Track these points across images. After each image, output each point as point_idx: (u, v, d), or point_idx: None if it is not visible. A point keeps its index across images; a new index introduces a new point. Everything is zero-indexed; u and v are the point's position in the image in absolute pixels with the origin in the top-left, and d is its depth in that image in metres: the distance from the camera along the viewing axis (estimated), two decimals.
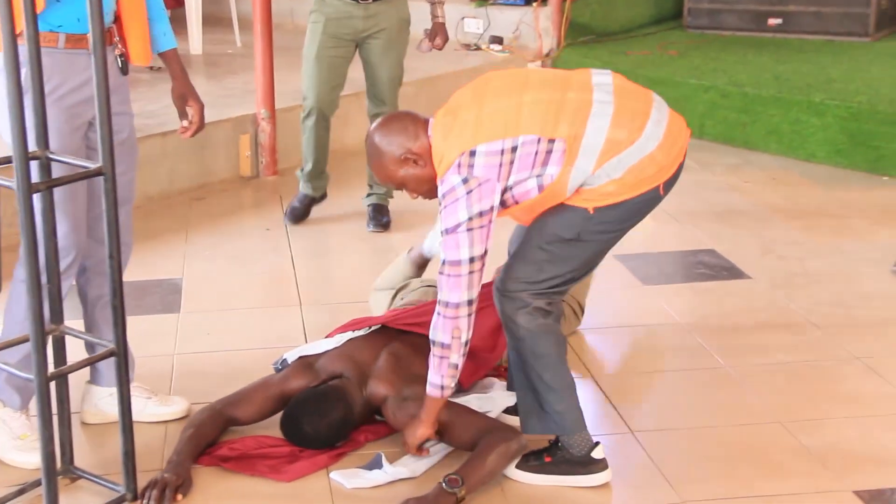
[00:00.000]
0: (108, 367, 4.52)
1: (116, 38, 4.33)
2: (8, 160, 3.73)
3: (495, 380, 4.83)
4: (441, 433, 4.29)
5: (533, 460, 4.29)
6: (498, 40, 10.46)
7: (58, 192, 4.07)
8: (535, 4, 10.79)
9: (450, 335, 4.00)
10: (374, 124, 4.20)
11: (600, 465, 4.26)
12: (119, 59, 4.35)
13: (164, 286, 5.93)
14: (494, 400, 4.63)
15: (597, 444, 4.27)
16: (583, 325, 5.54)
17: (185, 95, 4.74)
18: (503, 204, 4.02)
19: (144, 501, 4.12)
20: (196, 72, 10.01)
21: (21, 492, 4.16)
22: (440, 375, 4.07)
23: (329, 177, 7.41)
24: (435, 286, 4.70)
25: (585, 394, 4.94)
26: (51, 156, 3.95)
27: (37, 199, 3.77)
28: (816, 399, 5.01)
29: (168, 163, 7.58)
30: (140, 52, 4.43)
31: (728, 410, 4.92)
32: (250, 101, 8.11)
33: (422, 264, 5.59)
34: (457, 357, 4.05)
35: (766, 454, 4.55)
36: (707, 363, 5.35)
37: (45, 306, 3.88)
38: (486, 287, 4.49)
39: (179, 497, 4.11)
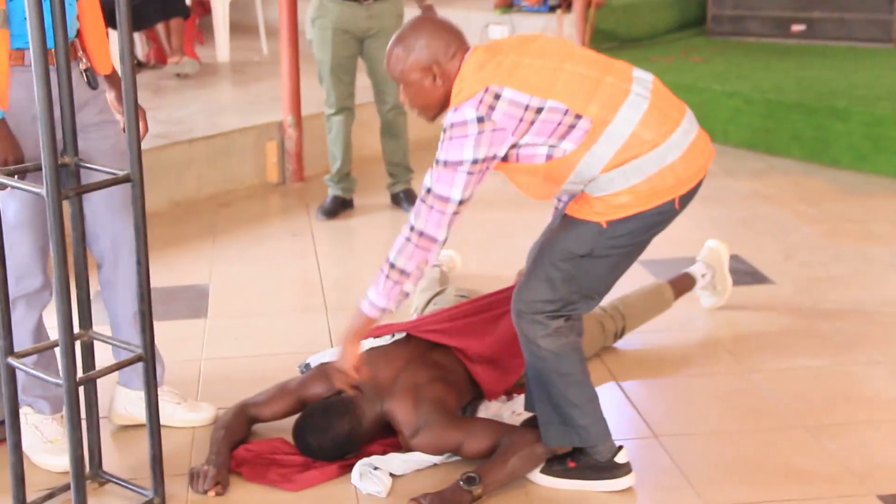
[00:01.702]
0: (137, 370, 4.50)
1: (80, 52, 4.30)
2: (38, 167, 3.76)
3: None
4: (460, 446, 4.28)
5: (557, 465, 4.28)
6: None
7: (24, 211, 4.13)
8: (559, 11, 10.80)
9: (416, 265, 3.94)
10: (427, 20, 4.10)
11: (624, 469, 4.26)
12: (86, 74, 4.30)
13: (191, 291, 5.95)
14: (516, 408, 4.63)
15: (620, 448, 4.27)
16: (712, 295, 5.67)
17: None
18: (505, 157, 3.94)
19: (193, 488, 4.21)
20: (222, 79, 10.05)
21: (50, 495, 4.17)
22: (387, 298, 3.99)
23: (356, 181, 7.47)
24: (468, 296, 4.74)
25: (610, 398, 4.95)
26: (80, 163, 3.96)
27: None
28: (840, 403, 5.00)
29: (195, 169, 7.60)
30: (103, 63, 4.38)
31: (752, 415, 4.92)
32: (276, 108, 8.13)
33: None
34: (411, 286, 4.01)
35: (789, 459, 4.54)
36: (731, 368, 5.36)
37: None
38: (508, 291, 4.50)
39: (219, 490, 4.17)
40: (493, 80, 3.82)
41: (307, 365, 4.81)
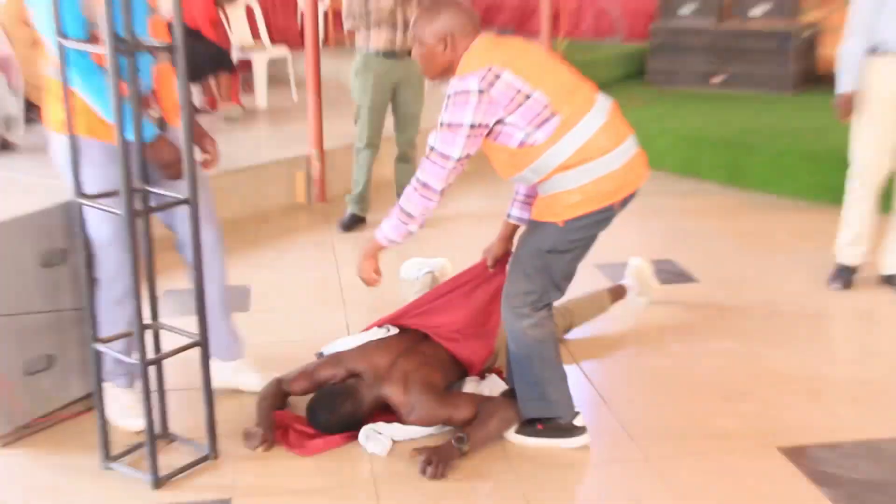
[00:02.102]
0: (225, 346, 4.69)
1: (154, 105, 4.30)
2: (116, 193, 3.82)
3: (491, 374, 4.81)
4: (449, 417, 4.33)
5: (528, 427, 4.35)
6: None
7: (113, 232, 4.15)
8: None
9: (420, 211, 4.07)
10: (455, 3, 4.09)
11: (581, 430, 4.34)
12: (158, 122, 4.26)
13: (237, 290, 5.87)
14: (491, 384, 4.66)
15: (578, 413, 4.34)
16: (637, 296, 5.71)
17: (202, 136, 4.63)
18: (489, 132, 3.98)
19: (247, 445, 4.28)
20: (261, 121, 10.05)
21: (129, 451, 4.23)
22: (397, 234, 4.17)
23: (370, 201, 7.53)
24: None
25: (571, 374, 4.95)
26: (148, 188, 4.02)
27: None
28: (750, 377, 5.04)
29: (239, 192, 7.58)
30: (173, 114, 4.37)
31: (680, 386, 4.96)
32: (304, 144, 8.11)
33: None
34: (415, 227, 4.14)
35: (710, 421, 4.60)
36: (665, 350, 5.40)
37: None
38: (476, 268, 4.66)
39: (266, 447, 4.24)
40: (496, 62, 3.92)
41: (321, 354, 4.80)
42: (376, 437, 4.28)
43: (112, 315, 4.31)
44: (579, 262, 4.25)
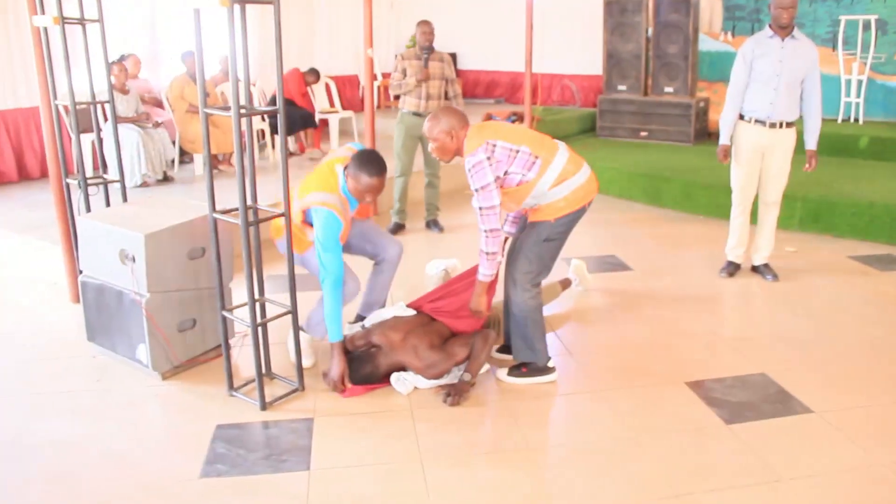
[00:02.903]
0: (311, 324, 4.59)
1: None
2: (235, 209, 3.85)
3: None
4: (453, 363, 4.26)
5: (516, 371, 4.37)
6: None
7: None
8: (517, 122, 10.81)
9: (499, 247, 4.11)
10: (450, 109, 4.16)
11: (552, 370, 4.36)
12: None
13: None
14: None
15: (550, 358, 4.37)
16: (577, 286, 5.57)
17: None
18: (500, 184, 4.05)
19: (326, 384, 4.25)
20: None
21: (246, 384, 4.25)
22: (493, 269, 4.16)
23: (407, 213, 7.48)
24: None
25: (549, 336, 4.98)
26: (256, 206, 4.04)
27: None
28: (668, 334, 5.02)
29: None
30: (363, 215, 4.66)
31: (622, 340, 4.94)
32: None
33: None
34: (500, 258, 4.17)
35: (641, 364, 4.59)
36: (612, 316, 5.36)
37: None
38: (473, 269, 4.52)
39: (339, 386, 4.20)
40: (489, 137, 4.01)
41: (361, 318, 4.80)
42: (404, 381, 4.23)
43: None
44: (561, 248, 4.28)
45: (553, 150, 4.13)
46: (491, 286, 4.35)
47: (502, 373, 4.38)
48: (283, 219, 4.14)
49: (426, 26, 6.89)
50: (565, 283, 5.53)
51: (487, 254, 4.10)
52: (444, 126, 4.07)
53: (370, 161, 4.23)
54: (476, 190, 3.98)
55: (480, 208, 4.00)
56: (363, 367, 4.23)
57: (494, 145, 3.99)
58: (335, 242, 4.10)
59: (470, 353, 4.28)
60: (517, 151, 4.02)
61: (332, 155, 4.51)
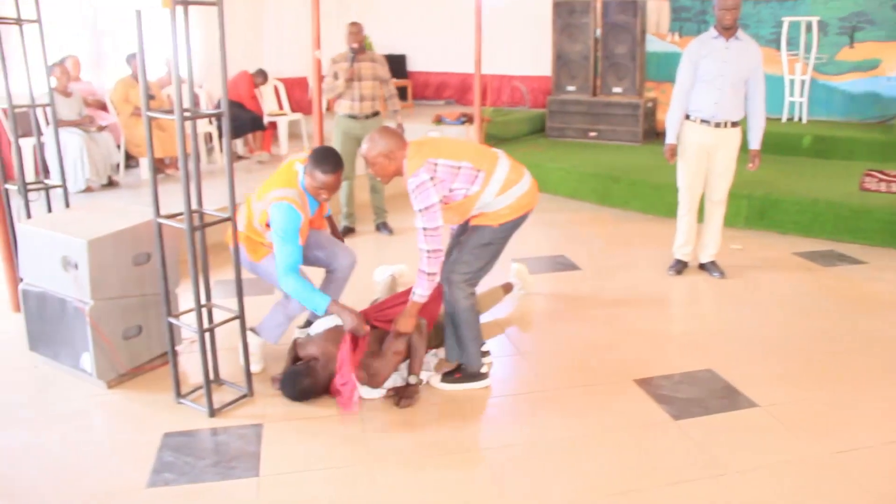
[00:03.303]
0: (271, 328, 4.58)
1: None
2: (180, 214, 3.81)
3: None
4: (396, 363, 4.23)
5: (449, 377, 4.34)
6: None
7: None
8: (467, 124, 10.84)
9: (438, 268, 4.02)
10: (386, 129, 4.06)
11: (486, 376, 4.36)
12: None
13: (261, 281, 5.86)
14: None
15: (484, 364, 4.39)
16: (519, 290, 5.63)
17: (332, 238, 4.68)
18: (445, 200, 4.02)
19: (274, 387, 4.22)
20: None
21: (193, 391, 4.21)
22: (429, 290, 4.06)
23: (356, 217, 7.46)
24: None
25: (496, 333, 5.01)
26: (202, 210, 4.00)
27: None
28: (616, 332, 5.06)
29: None
30: (317, 225, 4.61)
31: (571, 339, 4.96)
32: None
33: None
34: (437, 278, 4.06)
35: (589, 363, 4.62)
36: (560, 315, 5.38)
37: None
38: (406, 293, 4.42)
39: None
40: (430, 156, 3.96)
41: (307, 325, 4.78)
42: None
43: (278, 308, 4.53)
44: (501, 252, 4.27)
45: (494, 161, 4.12)
46: (430, 303, 4.30)
47: (435, 379, 4.36)
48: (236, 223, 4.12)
49: (353, 27, 6.88)
50: (507, 288, 5.52)
51: (428, 274, 4.02)
52: (382, 148, 4.00)
53: (325, 158, 4.18)
54: (420, 210, 3.92)
55: (424, 229, 3.94)
56: (302, 380, 4.10)
57: (436, 164, 3.96)
58: (294, 234, 4.09)
59: (409, 350, 4.26)
60: (459, 168, 4.00)
61: (295, 155, 4.50)
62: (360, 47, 6.89)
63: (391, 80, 7.11)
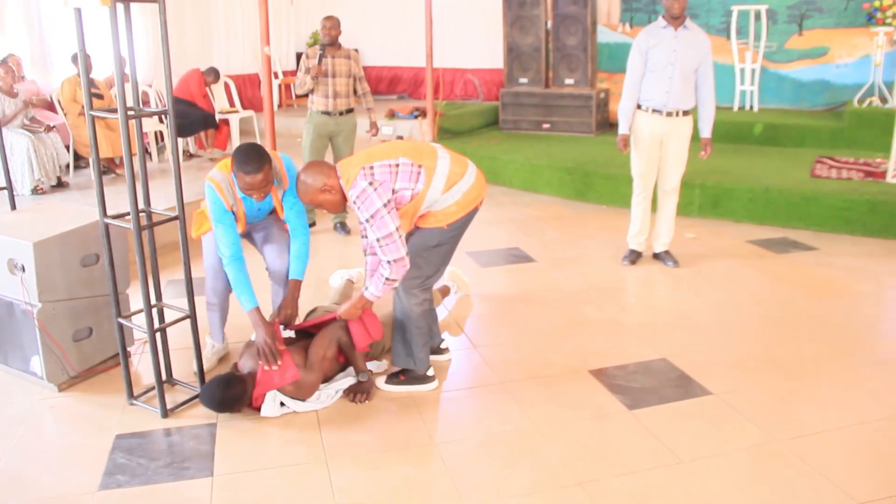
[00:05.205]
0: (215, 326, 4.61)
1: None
2: (127, 213, 3.76)
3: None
4: (325, 372, 4.15)
5: (394, 378, 4.29)
6: (400, 138, 10.46)
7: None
8: (420, 118, 10.84)
9: (401, 275, 3.88)
10: (302, 169, 3.90)
11: (432, 379, 4.31)
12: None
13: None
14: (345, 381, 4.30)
15: (430, 366, 4.33)
16: (455, 293, 5.59)
17: (284, 309, 4.24)
18: (395, 206, 3.83)
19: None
20: None
21: (146, 392, 4.18)
22: (381, 292, 3.92)
23: (317, 212, 7.41)
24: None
25: (451, 328, 5.01)
26: (150, 210, 3.97)
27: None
28: (570, 323, 5.08)
29: None
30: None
31: (524, 331, 4.98)
32: None
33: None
34: (394, 285, 3.93)
35: (544, 354, 4.64)
36: (514, 307, 5.40)
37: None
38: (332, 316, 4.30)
39: None
40: (363, 164, 3.81)
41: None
42: (277, 405, 3.97)
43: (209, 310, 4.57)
44: (453, 252, 4.21)
45: (433, 156, 3.95)
46: (364, 305, 4.13)
47: (380, 381, 4.31)
48: (199, 216, 4.15)
49: (328, 21, 6.82)
50: (444, 291, 5.50)
51: (387, 279, 3.89)
52: (316, 185, 3.84)
53: (246, 158, 3.91)
54: (367, 221, 3.77)
55: (378, 239, 3.78)
56: (234, 387, 3.93)
57: (371, 167, 3.79)
58: (219, 214, 4.03)
59: (343, 353, 4.21)
60: (397, 165, 3.83)
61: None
62: (333, 42, 6.84)
63: (364, 78, 7.08)
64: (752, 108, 10.51)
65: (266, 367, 3.98)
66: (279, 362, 3.99)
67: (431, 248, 4.08)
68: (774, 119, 9.79)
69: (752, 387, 4.20)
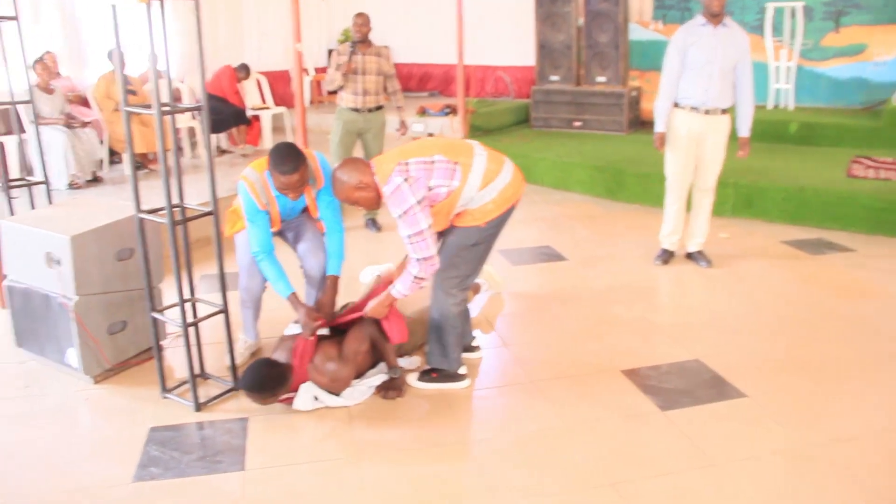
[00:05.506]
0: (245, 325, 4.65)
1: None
2: (161, 208, 3.79)
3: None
4: (357, 367, 4.15)
5: (426, 376, 4.29)
6: (430, 135, 10.46)
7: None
8: (451, 115, 10.84)
9: (429, 274, 3.88)
10: (337, 166, 3.87)
11: (464, 377, 4.31)
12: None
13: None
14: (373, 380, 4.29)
15: (462, 365, 4.33)
16: (486, 291, 5.60)
17: (323, 307, 4.24)
18: (429, 203, 3.81)
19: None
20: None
21: (179, 385, 4.23)
22: (408, 292, 3.93)
23: (345, 210, 7.39)
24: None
25: (485, 328, 5.01)
26: (184, 205, 4.00)
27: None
28: (602, 322, 5.07)
29: None
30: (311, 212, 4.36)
31: (555, 330, 4.97)
32: None
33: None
34: (423, 284, 3.93)
35: (575, 354, 4.62)
36: (547, 306, 5.39)
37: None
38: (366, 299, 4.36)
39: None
40: (398, 160, 3.79)
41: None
42: (310, 399, 4.00)
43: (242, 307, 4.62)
44: (490, 251, 4.18)
45: (469, 153, 3.92)
46: (392, 301, 4.11)
47: (412, 378, 4.31)
48: (231, 215, 4.18)
49: (358, 18, 6.82)
50: (475, 289, 5.49)
51: (416, 277, 3.89)
52: (352, 182, 3.82)
53: (281, 158, 3.91)
54: (399, 217, 3.74)
55: (409, 236, 3.77)
56: (277, 367, 3.96)
57: (407, 163, 3.76)
58: (252, 214, 4.05)
59: (377, 349, 4.21)
60: (433, 162, 3.80)
61: None
62: (364, 39, 6.83)
63: (395, 76, 7.09)
64: (787, 106, 10.41)
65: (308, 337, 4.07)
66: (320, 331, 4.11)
67: (469, 246, 4.06)
68: (810, 118, 9.69)
69: (787, 389, 4.17)
